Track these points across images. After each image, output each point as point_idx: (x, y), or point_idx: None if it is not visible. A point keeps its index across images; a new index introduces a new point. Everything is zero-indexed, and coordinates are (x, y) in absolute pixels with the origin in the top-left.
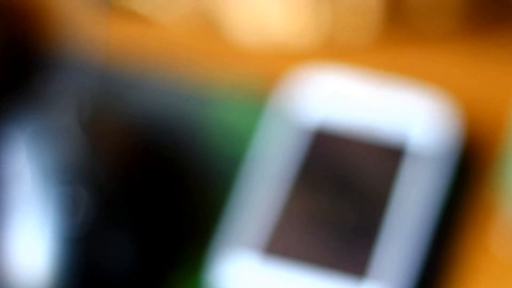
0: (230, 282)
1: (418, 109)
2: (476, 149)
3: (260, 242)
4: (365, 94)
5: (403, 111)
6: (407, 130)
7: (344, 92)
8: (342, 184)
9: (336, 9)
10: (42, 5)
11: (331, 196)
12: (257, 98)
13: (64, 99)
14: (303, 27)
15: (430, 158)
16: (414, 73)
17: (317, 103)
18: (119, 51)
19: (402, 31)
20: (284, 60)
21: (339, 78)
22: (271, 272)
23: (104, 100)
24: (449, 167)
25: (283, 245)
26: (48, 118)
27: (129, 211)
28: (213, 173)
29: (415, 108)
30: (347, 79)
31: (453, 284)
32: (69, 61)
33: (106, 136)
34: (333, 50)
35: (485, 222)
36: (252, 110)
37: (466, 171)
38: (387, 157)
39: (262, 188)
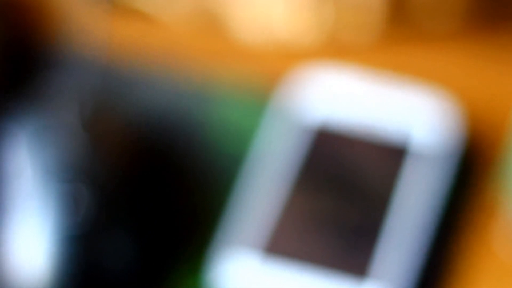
0: (230, 282)
1: (421, 108)
2: (479, 148)
3: (261, 241)
4: (367, 93)
5: (406, 110)
6: (409, 129)
7: (347, 91)
8: (343, 183)
9: (339, 7)
10: (44, 3)
11: (333, 195)
12: (259, 97)
13: (65, 97)
14: (305, 26)
15: (432, 157)
16: (416, 72)
17: (319, 102)
18: (121, 50)
19: (404, 30)
20: (286, 59)
21: (342, 77)
22: (271, 271)
23: (106, 99)
24: (451, 167)
25: (284, 244)
26: (49, 116)
27: (129, 210)
28: (215, 171)
29: (418, 107)
30: (350, 78)
31: (455, 284)
32: (71, 59)
33: (107, 134)
34: (335, 49)
35: (487, 222)
36: (254, 109)
37: (468, 171)
38: (389, 156)
39: (263, 187)
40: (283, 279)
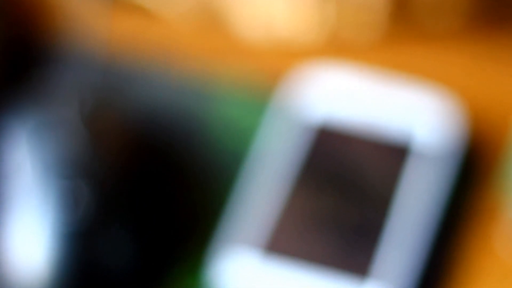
0: (230, 280)
1: (423, 108)
2: (481, 148)
3: (261, 240)
4: (369, 92)
5: (408, 109)
6: (411, 129)
7: (348, 90)
8: (345, 183)
9: (341, 6)
10: None
11: (334, 194)
12: (261, 95)
13: (65, 94)
14: (307, 24)
15: (434, 157)
16: (418, 71)
17: (321, 100)
18: (122, 46)
19: (407, 29)
20: (288, 57)
21: (344, 76)
22: (271, 270)
23: (106, 95)
24: (453, 167)
25: (285, 243)
26: (49, 112)
27: (129, 207)
28: (215, 169)
29: (420, 107)
30: (352, 77)
31: (456, 284)
32: (71, 55)
33: (107, 131)
34: (337, 47)
35: (489, 223)
36: (255, 107)
37: (470, 171)
38: (390, 155)
39: (264, 186)
40: (283, 278)
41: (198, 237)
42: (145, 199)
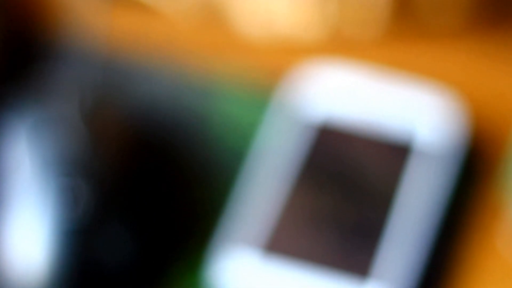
0: (229, 279)
1: (425, 106)
2: (483, 147)
3: (261, 239)
4: (371, 90)
5: (409, 107)
6: (413, 127)
7: (350, 88)
8: (346, 181)
9: (343, 3)
10: None
11: (335, 193)
12: (262, 92)
13: (65, 90)
14: (309, 21)
15: (436, 155)
16: (420, 69)
17: (322, 98)
18: (122, 42)
19: (409, 26)
20: (289, 54)
21: (345, 73)
22: (271, 270)
23: (106, 92)
24: (455, 165)
25: (285, 242)
26: (49, 109)
27: (128, 205)
28: (215, 167)
29: (422, 105)
30: (353, 74)
31: (458, 284)
32: (71, 52)
33: (107, 128)
34: (339, 44)
35: (491, 222)
36: (256, 104)
37: (472, 170)
38: (392, 154)
39: (264, 184)
40: (283, 278)
41: (198, 236)
42: (145, 197)
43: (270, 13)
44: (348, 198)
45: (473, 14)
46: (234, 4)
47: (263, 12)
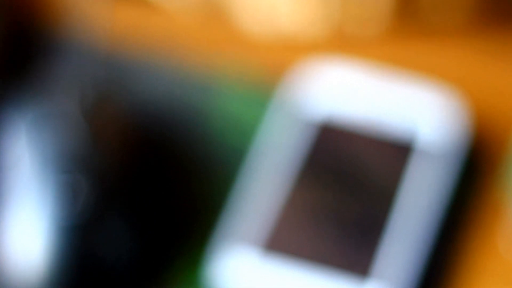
0: (228, 278)
1: (427, 105)
2: (484, 146)
3: (261, 237)
4: (373, 88)
5: (411, 106)
6: (415, 126)
7: (352, 85)
8: (347, 180)
9: (345, 0)
10: None
11: (336, 192)
12: (263, 89)
13: (66, 86)
14: (311, 18)
15: (437, 154)
16: (422, 67)
17: (324, 96)
18: (123, 38)
19: (411, 24)
20: (291, 51)
21: (347, 71)
22: (271, 269)
23: (107, 88)
24: (456, 164)
25: (285, 241)
26: (49, 104)
27: (128, 201)
28: (216, 164)
29: (424, 104)
30: (355, 72)
31: (459, 284)
32: (72, 47)
33: (107, 124)
34: (341, 42)
35: (492, 222)
36: (257, 101)
37: (474, 169)
38: (393, 152)
39: (265, 182)
40: (282, 277)
41: (197, 233)
42: (145, 193)
43: (272, 9)
44: (349, 196)
45: (475, 12)
46: (236, 0)
47: (265, 9)
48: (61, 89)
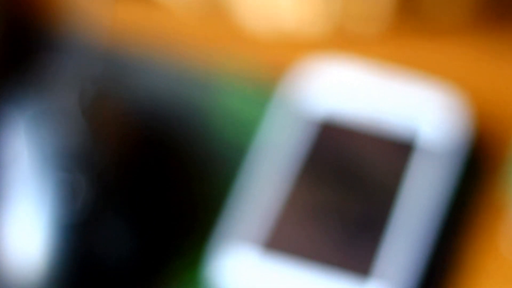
0: (228, 277)
1: (428, 103)
2: (486, 145)
3: (261, 236)
4: (374, 86)
5: (413, 104)
6: (416, 124)
7: (353, 84)
8: (348, 179)
9: None
10: None
11: (337, 190)
12: (264, 87)
13: (66, 82)
14: (313, 16)
15: (439, 153)
16: (424, 65)
17: (325, 94)
18: (124, 34)
19: (413, 22)
20: (292, 49)
21: (348, 69)
22: (271, 268)
23: (106, 85)
24: (458, 163)
25: (285, 240)
26: (48, 101)
27: (128, 200)
28: (216, 162)
29: (425, 102)
30: (357, 70)
31: (460, 284)
32: (72, 44)
33: (107, 121)
34: (342, 40)
35: (494, 221)
36: (258, 99)
37: (475, 168)
38: (394, 151)
39: (265, 180)
40: (282, 276)
41: (197, 232)
42: (144, 191)
43: (274, 7)
44: (350, 195)
45: (477, 10)
46: None
47: (267, 6)
48: (60, 86)
